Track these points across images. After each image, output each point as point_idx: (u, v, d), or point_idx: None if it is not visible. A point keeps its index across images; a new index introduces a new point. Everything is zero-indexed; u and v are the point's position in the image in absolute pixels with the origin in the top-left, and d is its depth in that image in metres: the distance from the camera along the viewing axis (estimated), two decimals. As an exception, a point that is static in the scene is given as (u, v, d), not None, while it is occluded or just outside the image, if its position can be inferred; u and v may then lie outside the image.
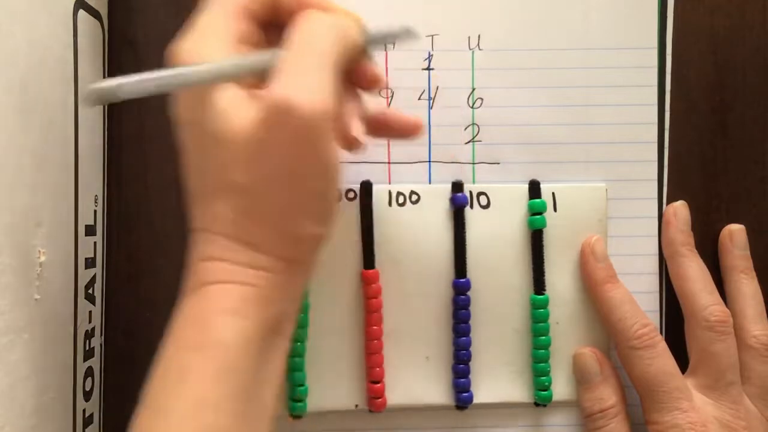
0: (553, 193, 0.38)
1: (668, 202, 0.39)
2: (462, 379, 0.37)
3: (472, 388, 0.37)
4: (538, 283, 0.38)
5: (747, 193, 0.40)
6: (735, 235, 0.38)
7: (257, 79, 0.28)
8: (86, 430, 0.35)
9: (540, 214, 0.37)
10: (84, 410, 0.35)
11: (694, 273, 0.37)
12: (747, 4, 0.40)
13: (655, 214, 0.39)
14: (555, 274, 0.38)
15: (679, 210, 0.38)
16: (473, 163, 0.38)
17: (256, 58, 0.28)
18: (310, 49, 0.27)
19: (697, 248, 0.38)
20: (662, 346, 0.35)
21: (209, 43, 0.27)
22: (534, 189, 0.38)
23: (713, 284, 0.37)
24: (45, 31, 0.31)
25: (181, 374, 0.26)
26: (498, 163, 0.38)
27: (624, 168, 0.39)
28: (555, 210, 0.38)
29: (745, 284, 0.37)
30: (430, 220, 0.37)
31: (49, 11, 0.32)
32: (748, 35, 0.40)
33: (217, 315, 0.26)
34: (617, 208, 0.38)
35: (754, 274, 0.38)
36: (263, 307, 0.27)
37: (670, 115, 0.39)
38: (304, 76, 0.26)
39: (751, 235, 0.39)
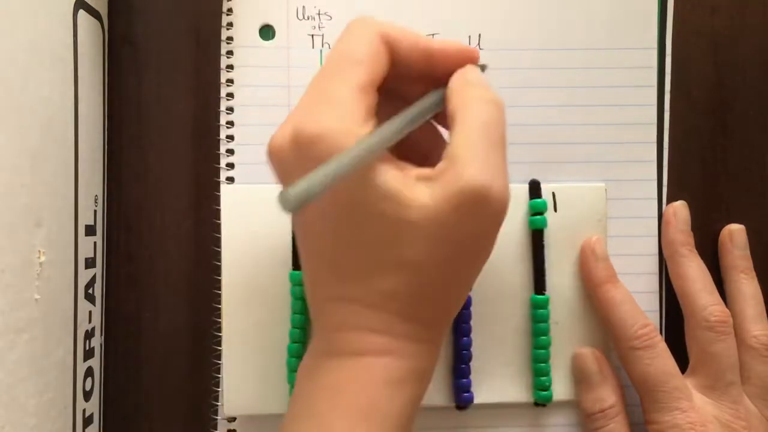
0: (553, 193, 0.38)
1: (668, 202, 0.39)
2: (463, 379, 0.37)
3: (473, 388, 0.37)
4: (539, 283, 0.38)
5: (747, 193, 0.40)
6: (735, 235, 0.38)
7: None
8: (86, 430, 0.35)
9: (540, 213, 0.37)
10: (84, 410, 0.35)
11: (693, 273, 0.37)
12: (747, 4, 0.40)
13: (655, 214, 0.39)
14: (555, 274, 0.38)
15: (679, 210, 0.38)
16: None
17: (405, 121, 0.28)
18: (493, 134, 0.27)
19: (697, 248, 0.38)
20: (662, 347, 0.35)
21: (351, 120, 0.26)
22: (534, 189, 0.38)
23: (713, 284, 0.37)
24: (45, 31, 0.31)
25: None
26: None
27: (624, 168, 0.39)
28: (555, 210, 0.38)
29: (745, 284, 0.37)
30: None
31: (49, 11, 0.32)
32: (748, 35, 0.40)
33: (384, 387, 0.27)
34: (617, 208, 0.38)
35: (754, 274, 0.38)
36: (421, 378, 0.29)
37: (670, 115, 0.39)
38: (492, 164, 0.26)
39: (751, 235, 0.39)
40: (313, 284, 0.30)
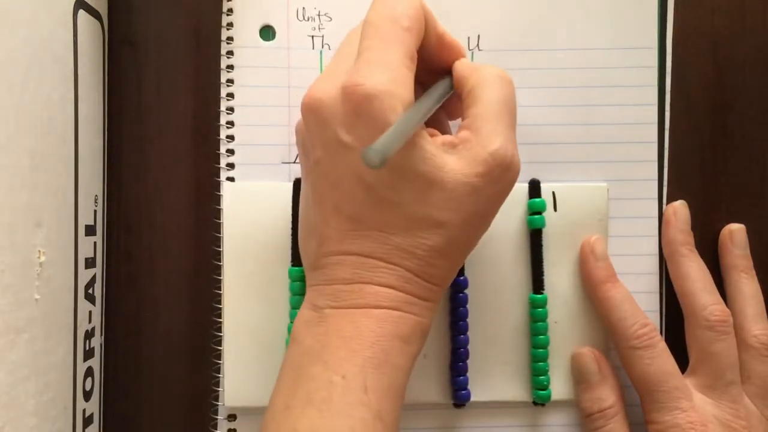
0: (553, 193, 0.38)
1: (668, 202, 0.39)
2: (460, 377, 0.37)
3: (470, 387, 0.37)
4: (537, 283, 0.38)
5: (747, 193, 0.40)
6: (735, 234, 0.38)
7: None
8: (86, 430, 0.35)
9: (539, 213, 0.37)
10: (84, 410, 0.35)
11: (694, 272, 0.37)
12: (747, 4, 0.40)
13: (655, 214, 0.39)
14: (554, 274, 0.38)
15: (679, 209, 0.38)
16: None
17: (434, 99, 0.31)
18: (511, 110, 0.30)
19: (697, 248, 0.38)
20: (662, 346, 0.35)
21: (403, 85, 0.28)
22: (534, 188, 0.38)
23: (713, 284, 0.37)
24: (45, 31, 0.31)
25: (365, 388, 0.28)
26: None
27: (624, 168, 0.39)
28: (555, 209, 0.38)
29: (746, 284, 0.37)
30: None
31: (49, 11, 0.32)
32: (748, 35, 0.40)
33: (396, 340, 0.29)
34: (617, 208, 0.38)
35: (754, 273, 0.38)
36: (424, 335, 0.30)
37: (670, 115, 0.39)
38: (511, 137, 0.30)
39: (751, 235, 0.39)
40: (319, 238, 0.30)
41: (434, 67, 0.33)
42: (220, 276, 0.37)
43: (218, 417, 0.38)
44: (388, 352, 0.28)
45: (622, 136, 0.39)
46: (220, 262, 0.37)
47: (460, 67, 0.32)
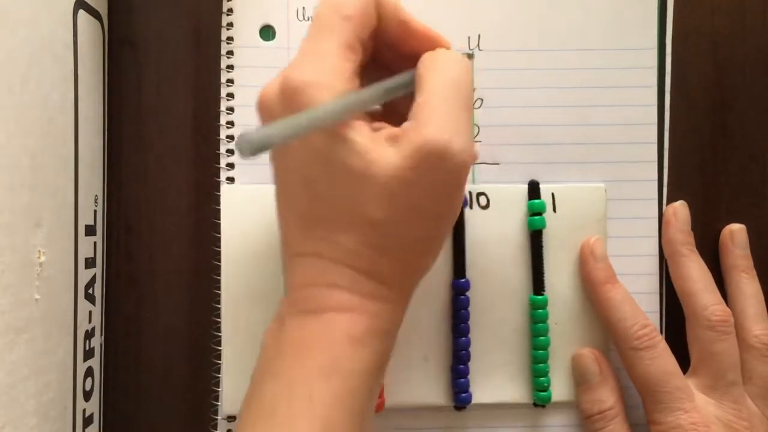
0: (552, 194, 0.38)
1: (668, 202, 0.39)
2: (461, 380, 0.37)
3: (471, 389, 0.37)
4: (537, 284, 0.38)
5: (747, 193, 0.40)
6: (736, 234, 0.38)
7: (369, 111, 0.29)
8: (86, 430, 0.35)
9: (539, 214, 0.37)
10: (84, 410, 0.35)
11: (695, 273, 0.37)
12: (747, 4, 0.40)
13: (655, 214, 0.39)
14: (554, 275, 0.38)
15: (679, 210, 0.38)
16: (474, 164, 0.38)
17: (381, 90, 0.29)
18: (456, 93, 0.28)
19: (697, 248, 0.38)
20: (663, 346, 0.35)
21: (334, 75, 0.27)
22: (533, 189, 0.38)
23: (714, 284, 0.37)
24: (45, 31, 0.31)
25: (310, 397, 0.26)
26: (498, 164, 0.38)
27: (624, 168, 0.38)
28: (554, 210, 0.38)
29: (746, 284, 0.37)
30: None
31: (49, 11, 0.32)
32: (748, 35, 0.40)
33: (346, 344, 0.27)
34: (617, 208, 0.38)
35: (754, 273, 0.38)
36: (383, 338, 0.29)
37: (670, 115, 0.39)
38: (455, 121, 0.27)
39: (752, 235, 0.39)
40: (285, 241, 0.30)
41: (407, 56, 0.31)
42: (219, 276, 0.37)
43: (218, 417, 0.38)
44: (337, 358, 0.27)
45: (622, 137, 0.39)
46: (219, 262, 0.37)
47: (423, 57, 0.30)
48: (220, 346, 0.37)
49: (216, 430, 0.38)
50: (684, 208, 0.38)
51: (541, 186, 0.38)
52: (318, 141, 0.27)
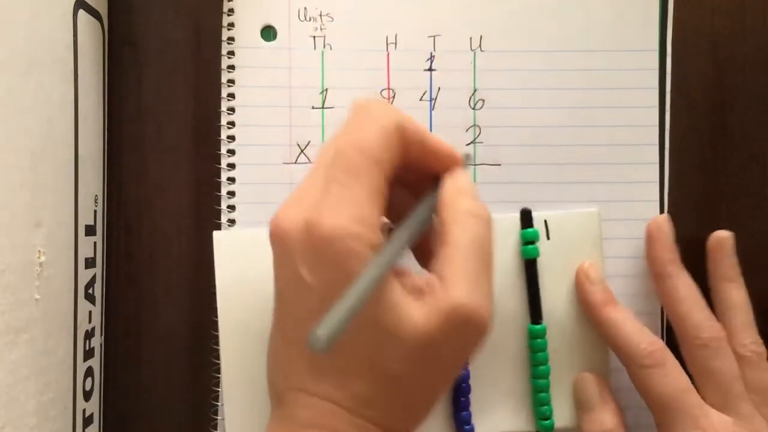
0: (545, 221, 0.38)
1: (668, 203, 0.39)
2: (463, 412, 0.37)
3: (474, 421, 0.37)
4: (535, 313, 0.37)
5: (747, 193, 0.40)
6: (723, 243, 0.37)
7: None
8: (86, 430, 0.35)
9: (532, 243, 0.37)
10: (84, 410, 0.35)
11: (682, 292, 0.36)
12: (747, 4, 0.40)
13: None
14: (551, 302, 0.37)
15: (663, 225, 0.37)
16: (474, 165, 0.38)
17: (407, 238, 0.28)
18: (481, 255, 0.28)
19: (696, 249, 0.38)
20: (672, 362, 0.35)
21: (367, 226, 0.26)
22: (526, 218, 0.37)
23: (703, 300, 0.36)
24: (45, 31, 0.31)
25: None
26: (499, 165, 0.38)
27: (625, 169, 0.38)
28: (548, 238, 0.38)
29: (735, 293, 0.37)
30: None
31: (49, 11, 0.31)
32: (748, 35, 0.40)
33: None
34: (618, 208, 0.38)
35: (742, 281, 0.37)
36: None
37: (670, 115, 0.39)
38: (482, 285, 0.27)
39: (752, 235, 0.39)
40: (285, 371, 0.29)
41: (424, 172, 0.31)
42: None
43: (218, 417, 0.37)
44: None
45: (623, 138, 0.38)
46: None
47: (444, 191, 0.30)
48: (219, 345, 0.37)
49: (216, 430, 0.37)
50: (667, 223, 0.37)
51: (533, 214, 0.37)
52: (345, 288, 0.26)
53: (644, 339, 0.35)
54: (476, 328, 0.27)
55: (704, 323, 0.35)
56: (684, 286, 0.36)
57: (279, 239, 0.28)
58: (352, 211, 0.26)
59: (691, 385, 0.34)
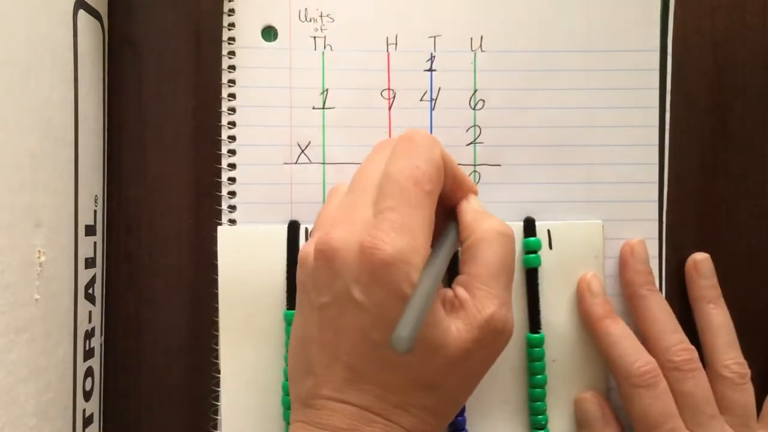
0: (548, 231, 0.38)
1: (668, 203, 0.39)
2: (458, 418, 0.37)
3: (468, 427, 0.37)
4: (534, 322, 0.37)
5: (747, 193, 0.40)
6: (700, 265, 0.38)
7: None
8: (86, 430, 0.35)
9: (535, 252, 0.37)
10: (84, 410, 0.35)
11: (654, 314, 0.36)
12: (747, 4, 0.40)
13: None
14: (551, 312, 0.38)
15: (636, 247, 0.38)
16: (475, 165, 0.38)
17: (447, 257, 0.31)
18: (507, 270, 0.31)
19: (696, 250, 0.38)
20: (663, 385, 0.35)
21: (421, 254, 0.28)
22: (529, 227, 0.38)
23: (676, 322, 0.36)
24: (45, 31, 0.31)
25: None
26: (499, 165, 0.38)
27: (625, 169, 0.38)
28: (551, 247, 0.38)
29: (714, 314, 0.37)
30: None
31: (49, 11, 0.31)
32: (748, 36, 0.40)
33: None
34: (617, 209, 0.38)
35: (722, 302, 0.37)
36: None
37: (670, 115, 0.39)
38: (507, 298, 0.31)
39: (752, 236, 0.39)
40: (318, 379, 0.30)
41: (443, 202, 0.33)
42: (218, 276, 0.37)
43: (218, 417, 0.37)
44: None
45: (624, 138, 0.38)
46: (218, 262, 0.37)
47: (464, 215, 0.33)
48: (219, 345, 0.37)
49: (216, 430, 0.38)
50: (641, 245, 0.38)
51: (537, 223, 0.38)
52: (397, 309, 0.27)
53: (640, 358, 0.35)
54: (504, 337, 0.30)
55: (676, 346, 0.36)
56: (656, 307, 0.37)
57: (329, 258, 0.29)
58: (409, 240, 0.28)
59: (677, 412, 0.35)
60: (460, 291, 0.30)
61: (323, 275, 0.30)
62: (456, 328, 0.29)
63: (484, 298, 0.30)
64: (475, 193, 0.34)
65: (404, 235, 0.28)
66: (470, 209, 0.33)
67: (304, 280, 0.31)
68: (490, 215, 0.32)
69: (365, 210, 0.30)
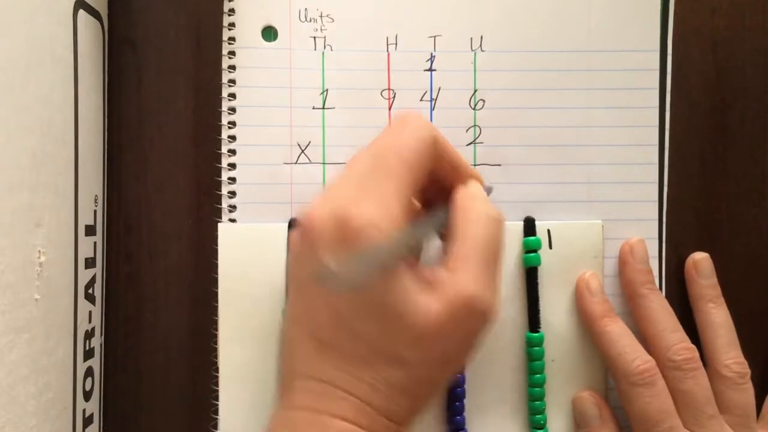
0: (548, 230, 0.38)
1: (668, 203, 0.39)
2: (457, 417, 0.37)
3: (467, 426, 0.37)
4: (533, 321, 0.37)
5: (747, 193, 0.40)
6: (699, 264, 0.38)
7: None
8: (86, 430, 0.35)
9: (535, 251, 0.37)
10: (84, 410, 0.35)
11: (655, 313, 0.36)
12: (747, 4, 0.40)
13: (655, 216, 0.39)
14: (550, 312, 0.38)
15: (636, 246, 0.38)
16: (475, 165, 0.38)
17: (424, 232, 0.31)
18: (491, 251, 0.29)
19: (696, 250, 0.38)
20: (662, 384, 0.35)
21: (393, 222, 0.28)
22: (529, 226, 0.38)
23: (676, 321, 0.36)
24: (45, 31, 0.31)
25: None
26: (499, 165, 0.38)
27: (625, 169, 0.38)
28: (551, 247, 0.38)
29: (714, 314, 0.37)
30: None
31: (49, 11, 0.31)
32: (748, 35, 0.40)
33: None
34: (617, 209, 0.38)
35: (722, 301, 0.37)
36: None
37: (670, 115, 0.39)
38: (488, 277, 0.29)
39: (752, 235, 0.39)
40: (291, 358, 0.30)
41: (445, 188, 0.32)
42: (218, 276, 0.37)
43: (218, 417, 0.37)
44: None
45: (624, 138, 0.38)
46: (218, 261, 0.37)
47: (457, 196, 0.32)
48: (218, 345, 0.37)
49: (216, 430, 0.38)
50: (640, 244, 0.38)
51: (537, 222, 0.38)
52: (368, 283, 0.27)
53: (638, 356, 0.35)
54: (482, 316, 0.29)
55: (676, 345, 0.36)
56: (657, 306, 0.37)
57: (307, 229, 0.29)
58: (381, 209, 0.28)
59: (674, 410, 0.35)
60: (439, 267, 0.29)
61: (304, 251, 0.29)
62: (425, 301, 0.28)
63: (464, 278, 0.28)
64: (480, 180, 0.33)
65: (377, 204, 0.28)
66: (466, 192, 0.32)
67: (292, 263, 0.32)
68: (484, 201, 0.31)
69: (349, 186, 0.29)
